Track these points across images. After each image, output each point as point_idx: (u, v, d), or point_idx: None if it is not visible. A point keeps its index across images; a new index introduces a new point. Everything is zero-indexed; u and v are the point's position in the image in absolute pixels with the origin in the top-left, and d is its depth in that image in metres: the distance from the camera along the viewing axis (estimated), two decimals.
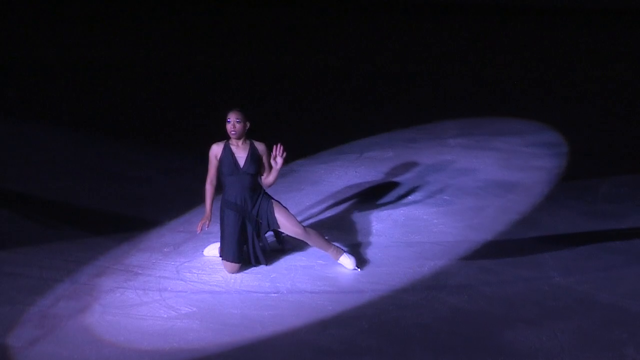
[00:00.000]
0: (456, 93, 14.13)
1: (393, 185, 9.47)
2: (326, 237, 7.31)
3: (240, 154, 7.00)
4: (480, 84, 14.77)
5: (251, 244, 7.13)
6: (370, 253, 7.61)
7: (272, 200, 7.11)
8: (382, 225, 8.27)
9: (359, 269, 7.13)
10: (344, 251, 7.25)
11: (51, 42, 18.53)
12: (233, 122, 6.94)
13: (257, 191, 7.09)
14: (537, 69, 15.85)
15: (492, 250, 7.67)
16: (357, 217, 8.46)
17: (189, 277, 7.15)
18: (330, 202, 8.94)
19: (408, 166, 10.11)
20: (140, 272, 7.25)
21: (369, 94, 14.13)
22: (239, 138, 7.00)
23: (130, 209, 8.79)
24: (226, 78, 15.20)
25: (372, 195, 9.12)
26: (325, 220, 8.43)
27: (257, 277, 7.12)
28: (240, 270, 7.17)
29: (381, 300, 6.75)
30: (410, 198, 9.02)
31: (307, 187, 9.41)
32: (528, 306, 6.63)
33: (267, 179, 7.14)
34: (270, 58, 16.75)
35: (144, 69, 15.95)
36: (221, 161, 7.00)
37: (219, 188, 7.17)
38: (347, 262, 7.19)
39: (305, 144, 11.02)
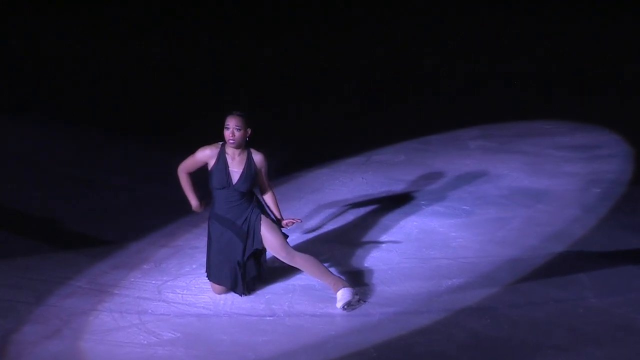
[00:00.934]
0: (477, 90, 14.11)
1: (405, 193, 9.45)
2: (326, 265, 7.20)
3: (235, 168, 6.89)
4: (503, 79, 14.75)
5: (238, 267, 7.02)
6: (378, 271, 7.55)
7: (262, 215, 6.99)
8: (392, 239, 8.24)
9: (345, 310, 6.85)
10: (344, 284, 6.94)
11: (27, 33, 18.60)
12: (232, 130, 6.80)
13: (248, 204, 6.98)
14: (567, 62, 15.82)
15: (518, 267, 7.62)
16: (364, 229, 8.44)
17: (172, 298, 7.12)
18: (333, 212, 8.91)
19: (422, 172, 10.08)
20: (116, 292, 7.23)
21: (377, 91, 14.13)
22: (237, 147, 6.87)
23: (105, 220, 8.77)
24: (222, 74, 15.25)
25: (381, 205, 9.08)
26: (327, 233, 8.40)
27: (250, 299, 7.07)
28: (230, 290, 7.15)
29: (391, 324, 6.70)
30: (424, 208, 8.99)
31: (306, 195, 9.39)
32: (560, 332, 6.57)
33: (267, 201, 7.09)
34: (269, 53, 16.78)
35: (129, 63, 15.98)
36: (212, 172, 6.88)
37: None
38: (340, 297, 6.87)
39: (306, 146, 11.04)
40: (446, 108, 13.06)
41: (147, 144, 11.17)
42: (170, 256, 7.75)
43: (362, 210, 8.94)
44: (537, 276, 7.43)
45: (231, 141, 6.81)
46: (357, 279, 7.35)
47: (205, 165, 6.96)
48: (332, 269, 7.37)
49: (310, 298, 7.08)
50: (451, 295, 7.13)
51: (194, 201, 7.06)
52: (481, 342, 6.45)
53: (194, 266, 7.64)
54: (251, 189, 6.96)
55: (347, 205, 9.07)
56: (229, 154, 6.89)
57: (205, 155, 6.90)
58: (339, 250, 7.94)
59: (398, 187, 9.62)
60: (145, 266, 7.69)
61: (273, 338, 6.51)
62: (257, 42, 17.95)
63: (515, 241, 8.17)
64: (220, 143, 6.92)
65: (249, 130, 6.86)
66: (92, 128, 11.97)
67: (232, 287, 7.05)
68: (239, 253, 6.97)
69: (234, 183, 6.86)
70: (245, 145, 6.91)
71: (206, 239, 7.14)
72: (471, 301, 7.02)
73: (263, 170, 6.97)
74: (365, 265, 7.67)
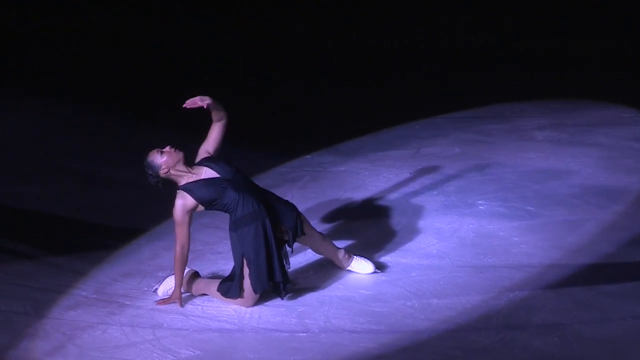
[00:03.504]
0: (544, 70, 14.02)
1: (459, 191, 9.47)
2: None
3: (208, 173, 7.16)
4: (575, 58, 14.64)
5: (277, 262, 7.18)
6: (429, 281, 7.55)
7: (284, 199, 7.40)
8: (444, 244, 8.26)
9: (379, 272, 7.41)
10: (355, 256, 7.68)
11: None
12: (169, 147, 7.18)
13: (260, 188, 7.31)
14: None
15: (591, 278, 7.58)
16: (411, 233, 8.49)
17: (190, 310, 7.18)
18: (376, 213, 8.97)
19: (479, 167, 10.13)
20: (127, 303, 7.29)
21: (427, 72, 14.16)
22: (177, 163, 7.15)
23: (113, 220, 8.88)
24: (238, 48, 15.38)
25: (432, 205, 9.13)
26: (369, 236, 8.44)
27: (280, 312, 7.12)
28: (258, 301, 7.23)
29: (444, 343, 6.68)
30: (482, 209, 9.01)
31: (346, 193, 9.48)
32: (638, 353, 6.50)
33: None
34: (300, 26, 16.77)
35: (124, 38, 16.09)
36: (213, 199, 7.12)
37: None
38: (362, 266, 7.63)
39: (345, 137, 11.08)
40: (507, 92, 12.98)
41: (150, 128, 11.30)
42: (189, 262, 7.48)
43: (409, 211, 8.97)
44: (613, 288, 7.34)
45: (168, 154, 7.12)
46: (404, 291, 7.39)
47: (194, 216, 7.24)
48: (374, 278, 7.55)
49: (350, 311, 7.09)
50: (513, 309, 7.09)
51: (176, 291, 7.21)
52: None
53: (215, 274, 7.71)
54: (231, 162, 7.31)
55: (391, 205, 9.14)
56: (191, 179, 7.14)
57: (186, 205, 7.09)
58: (382, 256, 8.00)
59: (451, 185, 9.67)
60: (160, 274, 7.75)
61: (307, 357, 6.50)
62: (286, 16, 17.91)
63: (587, 248, 8.13)
64: (178, 191, 7.13)
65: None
66: (87, 110, 12.15)
67: (278, 283, 7.19)
68: (274, 246, 7.15)
69: (228, 174, 7.15)
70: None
71: (229, 244, 7.29)
72: (536, 317, 6.98)
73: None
74: (413, 274, 7.69)
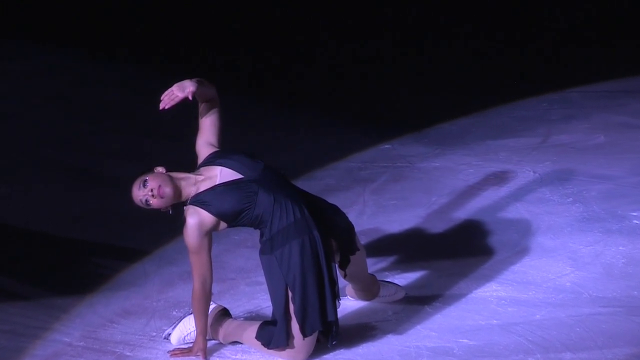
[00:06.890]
0: None
1: (604, 199, 9.37)
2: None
3: (225, 174, 7.03)
4: None
5: (329, 292, 7.05)
6: (560, 325, 7.33)
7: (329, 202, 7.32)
8: (582, 274, 8.07)
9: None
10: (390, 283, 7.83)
11: None
12: (150, 191, 6.98)
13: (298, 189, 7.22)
14: None
15: None
16: (534, 258, 8.36)
17: None
18: (482, 228, 8.96)
19: (634, 164, 10.05)
20: (128, 354, 7.18)
21: (558, 40, 14.23)
22: (177, 197, 7.03)
23: (111, 235, 8.93)
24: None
25: (564, 218, 9.03)
26: (472, 260, 8.35)
27: None
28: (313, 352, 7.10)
29: None
30: (636, 224, 8.88)
31: (440, 199, 9.46)
32: None
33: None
34: None
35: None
36: (237, 214, 7.00)
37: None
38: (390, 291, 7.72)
39: (439, 119, 11.01)
40: None
41: (152, 123, 11.20)
42: (215, 297, 7.36)
43: (531, 226, 8.89)
44: None
45: (156, 200, 6.96)
46: (524, 340, 7.16)
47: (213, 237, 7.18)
48: (481, 324, 7.37)
49: None
50: None
51: (199, 341, 7.10)
52: None
53: (253, 313, 7.65)
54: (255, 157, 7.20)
55: (506, 217, 9.09)
56: (199, 188, 7.03)
57: (204, 224, 6.96)
58: (492, 290, 7.84)
59: (593, 189, 9.56)
60: (174, 312, 7.66)
61: None
62: None
63: None
64: (188, 207, 7.01)
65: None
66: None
67: (330, 322, 7.08)
68: (326, 268, 7.03)
69: (253, 171, 7.02)
70: (175, 191, 7.00)
71: None
72: None
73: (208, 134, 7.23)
74: (537, 317, 7.47)
